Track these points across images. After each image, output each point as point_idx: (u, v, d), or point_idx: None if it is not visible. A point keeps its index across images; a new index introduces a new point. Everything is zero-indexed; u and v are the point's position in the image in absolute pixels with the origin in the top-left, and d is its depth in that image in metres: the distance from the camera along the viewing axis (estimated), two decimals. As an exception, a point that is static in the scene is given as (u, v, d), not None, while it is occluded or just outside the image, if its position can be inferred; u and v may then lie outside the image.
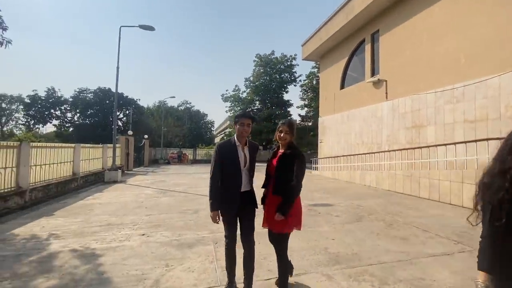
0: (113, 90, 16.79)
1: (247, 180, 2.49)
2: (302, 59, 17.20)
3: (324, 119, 15.23)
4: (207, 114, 52.33)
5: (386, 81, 10.28)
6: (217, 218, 2.40)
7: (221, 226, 2.61)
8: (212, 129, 57.14)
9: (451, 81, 7.64)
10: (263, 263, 3.25)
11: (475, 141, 6.50)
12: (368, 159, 10.70)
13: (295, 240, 3.26)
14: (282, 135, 2.41)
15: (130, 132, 20.53)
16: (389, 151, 9.54)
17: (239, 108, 31.27)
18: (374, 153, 10.41)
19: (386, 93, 10.29)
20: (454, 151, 7.03)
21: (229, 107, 32.99)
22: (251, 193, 2.55)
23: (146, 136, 24.08)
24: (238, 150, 2.44)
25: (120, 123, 34.11)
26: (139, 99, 40.28)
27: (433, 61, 8.24)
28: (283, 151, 2.43)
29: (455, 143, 7.06)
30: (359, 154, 11.35)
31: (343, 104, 13.35)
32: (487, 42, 6.69)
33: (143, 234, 4.38)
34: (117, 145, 13.58)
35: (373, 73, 11.33)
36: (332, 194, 8.08)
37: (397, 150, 9.16)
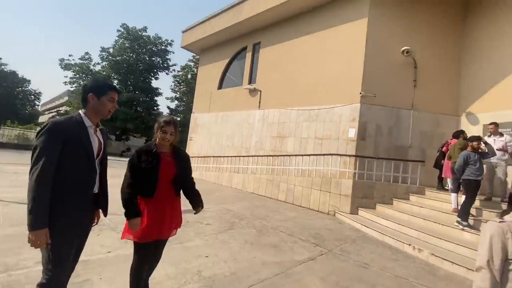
0: None
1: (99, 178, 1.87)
2: (181, 47, 15.84)
3: (198, 116, 14.61)
4: (29, 81, 37.32)
5: (260, 91, 11.03)
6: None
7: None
8: (37, 102, 41.92)
9: (310, 103, 9.08)
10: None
11: (321, 155, 7.91)
12: (237, 162, 11.01)
13: (160, 265, 2.38)
14: (167, 136, 2.14)
15: None
16: (256, 156, 10.19)
17: (84, 81, 24.80)
18: (242, 156, 10.83)
19: (260, 102, 11.03)
20: (308, 162, 8.29)
21: (71, 78, 25.67)
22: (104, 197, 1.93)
23: None
24: (89, 133, 1.77)
25: None
26: None
27: (299, 83, 9.55)
28: (171, 152, 2.21)
29: (307, 155, 8.35)
30: (228, 156, 11.51)
31: (219, 104, 13.26)
32: (336, 78, 8.39)
33: None
34: None
35: (250, 81, 11.91)
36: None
37: (263, 156, 9.91)
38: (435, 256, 4.18)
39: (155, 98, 28.66)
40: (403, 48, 7.47)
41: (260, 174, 9.48)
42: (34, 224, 1.50)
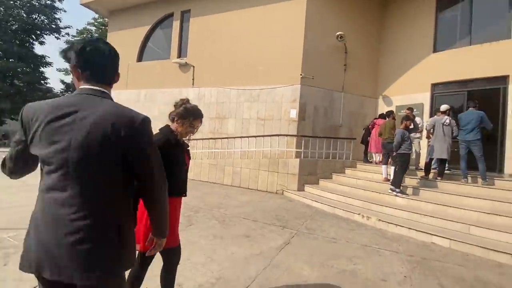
0: None
1: None
2: (81, 4, 12.55)
3: (112, 94, 12.17)
4: None
5: (194, 66, 9.96)
6: None
7: None
8: None
9: (251, 82, 8.79)
10: None
11: (269, 135, 7.90)
12: (170, 146, 9.88)
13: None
14: (194, 131, 1.98)
15: None
16: (195, 139, 9.34)
17: None
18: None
19: (193, 79, 9.99)
20: (252, 143, 8.14)
21: None
22: None
23: None
24: None
25: None
26: None
27: (240, 61, 9.05)
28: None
29: (253, 136, 8.19)
30: (158, 140, 10.17)
31: (140, 80, 11.33)
32: (277, 58, 8.32)
33: None
34: None
35: (180, 54, 10.58)
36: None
37: (202, 139, 9.17)
38: (381, 221, 4.80)
39: (41, 69, 22.41)
40: (338, 33, 7.96)
41: (202, 158, 8.79)
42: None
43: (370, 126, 7.70)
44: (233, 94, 9.13)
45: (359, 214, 5.16)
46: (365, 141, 7.90)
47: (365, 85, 8.97)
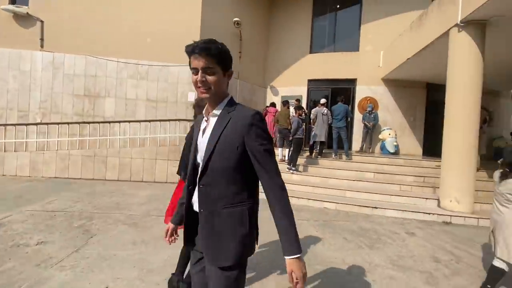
0: None
1: None
2: None
3: None
4: None
5: (43, 21, 7.12)
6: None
7: None
8: None
9: (137, 55, 7.34)
10: None
11: (166, 120, 6.97)
12: (10, 134, 6.74)
13: None
14: None
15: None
16: (51, 123, 6.83)
17: None
18: (17, 125, 6.78)
19: (43, 39, 7.16)
20: (140, 129, 6.94)
21: None
22: None
23: None
24: None
25: None
26: None
27: (122, 25, 7.28)
28: None
29: (147, 121, 6.98)
30: (-21, 125, 6.70)
31: None
32: (172, 32, 7.36)
33: None
34: None
35: (14, 0, 7.23)
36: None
37: (64, 123, 6.86)
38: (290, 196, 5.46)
39: None
40: (235, 19, 8.00)
41: (69, 149, 6.61)
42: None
43: (263, 113, 8.42)
44: (111, 67, 7.32)
45: (267, 193, 5.62)
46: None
47: (256, 74, 9.62)
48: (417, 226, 4.26)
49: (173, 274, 2.18)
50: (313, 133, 6.96)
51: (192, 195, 1.16)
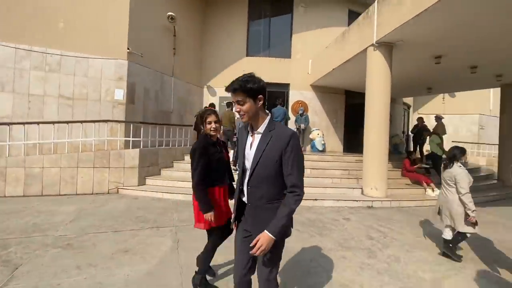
0: None
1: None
2: None
3: None
4: None
5: None
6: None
7: None
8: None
9: (43, 42, 6.03)
10: None
11: (91, 121, 5.93)
12: None
13: None
14: (213, 125, 2.12)
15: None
16: None
17: None
18: None
19: None
20: (48, 132, 5.75)
21: None
22: None
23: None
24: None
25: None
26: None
27: (25, 3, 5.83)
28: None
29: (63, 122, 5.78)
30: None
31: None
32: (95, 19, 6.34)
33: None
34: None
35: None
36: None
37: None
38: (235, 197, 5.52)
39: None
40: (168, 13, 7.52)
41: None
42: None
43: (201, 114, 8.19)
44: (7, 53, 5.79)
45: (215, 195, 5.53)
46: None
47: (192, 72, 9.24)
48: (349, 212, 4.99)
49: (196, 272, 2.25)
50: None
51: (242, 191, 1.50)
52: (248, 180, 1.42)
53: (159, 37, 7.67)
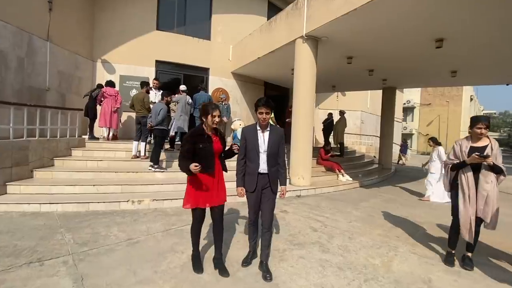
0: None
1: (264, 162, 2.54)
2: None
3: None
4: None
5: None
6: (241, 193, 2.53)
7: None
8: None
9: None
10: None
11: None
12: None
13: None
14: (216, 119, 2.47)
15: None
16: None
17: None
18: None
19: None
20: None
21: None
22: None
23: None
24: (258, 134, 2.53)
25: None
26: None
27: None
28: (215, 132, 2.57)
29: None
30: None
31: None
32: None
33: None
34: None
35: None
36: None
37: None
38: (156, 200, 4.50)
39: None
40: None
41: None
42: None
43: (99, 97, 6.37)
44: None
45: (127, 201, 4.34)
46: (90, 113, 6.40)
47: (79, 40, 6.96)
48: (284, 204, 4.93)
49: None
50: (174, 123, 6.17)
51: (258, 166, 2.47)
52: (267, 157, 2.46)
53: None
